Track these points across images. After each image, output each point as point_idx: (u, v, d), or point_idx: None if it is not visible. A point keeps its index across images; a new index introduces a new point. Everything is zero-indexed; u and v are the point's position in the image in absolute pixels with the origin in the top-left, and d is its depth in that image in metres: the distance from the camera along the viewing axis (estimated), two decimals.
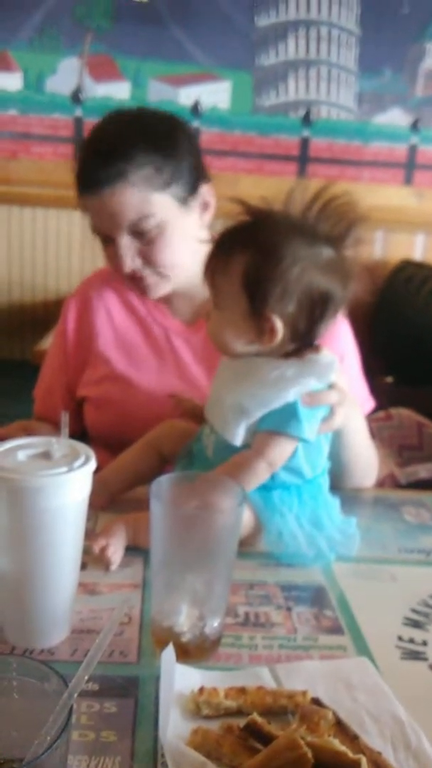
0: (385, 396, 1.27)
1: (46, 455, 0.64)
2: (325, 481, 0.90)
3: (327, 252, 0.81)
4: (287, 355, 0.84)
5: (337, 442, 0.92)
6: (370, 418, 1.12)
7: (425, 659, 0.69)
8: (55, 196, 2.68)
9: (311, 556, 0.82)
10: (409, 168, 2.83)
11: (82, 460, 0.64)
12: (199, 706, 0.59)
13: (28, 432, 1.07)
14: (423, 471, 1.33)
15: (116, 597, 0.75)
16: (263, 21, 2.65)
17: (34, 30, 2.60)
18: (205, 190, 1.08)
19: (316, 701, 0.60)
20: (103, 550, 0.79)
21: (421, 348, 2.36)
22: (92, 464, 0.64)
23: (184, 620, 0.66)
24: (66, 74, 2.65)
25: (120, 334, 1.16)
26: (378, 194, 2.78)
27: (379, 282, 2.67)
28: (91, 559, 0.79)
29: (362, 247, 0.83)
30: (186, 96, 2.67)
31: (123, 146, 1.01)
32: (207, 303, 0.88)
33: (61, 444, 0.65)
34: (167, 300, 1.15)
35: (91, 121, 2.69)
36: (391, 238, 2.82)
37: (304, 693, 0.61)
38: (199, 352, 1.13)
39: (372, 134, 2.79)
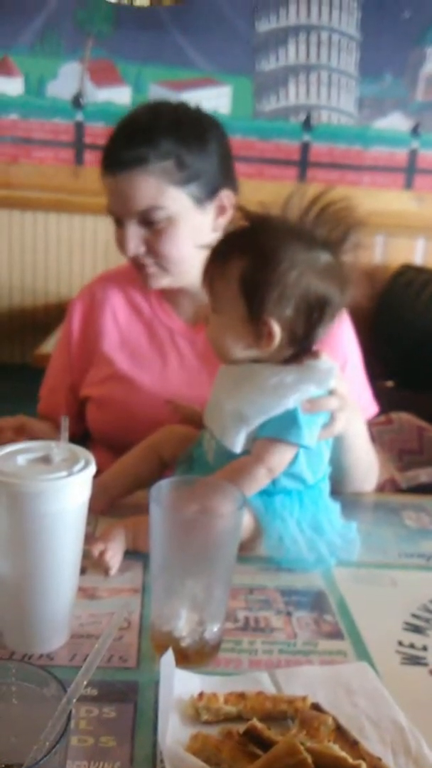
0: (385, 400, 1.27)
1: (45, 459, 0.64)
2: (325, 486, 0.90)
3: (325, 257, 0.81)
4: (286, 361, 0.84)
5: (337, 447, 0.92)
6: (371, 422, 1.12)
7: (425, 664, 0.69)
8: (55, 201, 2.69)
9: (312, 560, 0.82)
10: (410, 172, 2.83)
11: (81, 464, 0.64)
12: (198, 711, 0.59)
13: (24, 427, 1.07)
14: (423, 475, 1.33)
15: (116, 602, 0.75)
16: (263, 26, 2.66)
17: (35, 35, 2.61)
18: (225, 195, 1.08)
19: (315, 706, 0.60)
20: (102, 554, 0.79)
21: (421, 352, 2.36)
22: (92, 468, 0.64)
23: (183, 625, 0.65)
24: (67, 79, 2.66)
25: (125, 335, 1.16)
26: (378, 199, 2.79)
27: (380, 286, 2.67)
28: (91, 563, 0.79)
29: (361, 251, 0.83)
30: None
31: (150, 133, 1.02)
32: (207, 307, 0.88)
33: (60, 448, 0.65)
34: (172, 300, 1.16)
35: (91, 126, 2.70)
36: (392, 242, 2.83)
37: (303, 698, 0.60)
38: (203, 353, 1.13)
39: (372, 139, 2.80)
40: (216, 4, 2.60)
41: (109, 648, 0.51)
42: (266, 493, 0.84)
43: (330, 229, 0.82)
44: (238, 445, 0.83)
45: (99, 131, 2.69)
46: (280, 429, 0.81)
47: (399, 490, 1.28)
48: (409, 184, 2.84)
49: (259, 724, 0.55)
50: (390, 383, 2.24)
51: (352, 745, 0.55)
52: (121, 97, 2.68)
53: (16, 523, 0.61)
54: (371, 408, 1.19)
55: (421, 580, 0.84)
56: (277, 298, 0.80)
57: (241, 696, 0.60)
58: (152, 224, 1.04)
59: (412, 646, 0.71)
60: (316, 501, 0.87)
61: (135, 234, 1.04)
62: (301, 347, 0.83)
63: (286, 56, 2.70)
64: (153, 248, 1.05)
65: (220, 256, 0.84)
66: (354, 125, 2.78)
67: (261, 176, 2.74)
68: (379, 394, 1.22)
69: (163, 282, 1.09)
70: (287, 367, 0.83)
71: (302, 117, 2.77)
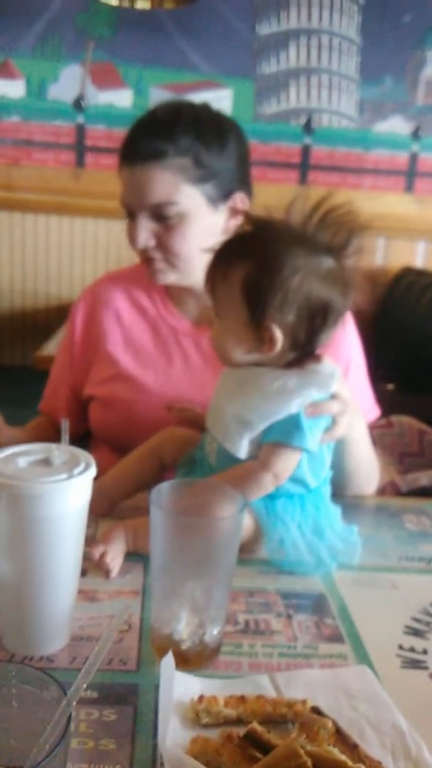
0: (386, 403, 1.27)
1: (46, 462, 0.64)
2: (327, 490, 0.90)
3: (327, 262, 0.81)
4: (288, 365, 0.84)
5: (339, 450, 0.92)
6: (371, 425, 1.12)
7: (426, 668, 0.69)
8: (56, 203, 2.70)
9: (312, 564, 0.82)
10: (410, 176, 2.84)
11: (82, 466, 0.64)
12: (198, 714, 0.59)
13: None
14: (424, 478, 1.33)
15: (116, 604, 0.74)
16: (264, 29, 2.67)
17: (37, 38, 2.62)
18: (240, 198, 1.08)
19: (315, 710, 0.60)
20: (102, 556, 0.79)
21: (422, 355, 2.36)
22: (92, 471, 0.64)
23: (183, 628, 0.65)
24: (68, 82, 2.67)
25: (128, 335, 1.16)
26: (379, 202, 2.79)
27: (380, 289, 2.68)
28: (92, 565, 0.79)
29: (363, 256, 0.83)
30: None
31: (171, 129, 1.02)
32: (210, 310, 0.88)
33: (61, 450, 0.65)
34: (177, 300, 1.16)
35: (92, 128, 2.71)
36: (392, 245, 2.83)
37: (303, 702, 0.60)
38: (207, 354, 1.13)
39: (373, 142, 2.80)
40: (217, 7, 2.61)
41: (109, 651, 0.51)
42: (268, 496, 0.84)
43: (333, 233, 0.82)
44: (242, 450, 0.83)
45: (100, 134, 2.70)
46: (284, 434, 0.81)
47: (399, 494, 1.28)
48: (409, 187, 2.85)
49: (259, 728, 0.55)
50: (391, 386, 2.24)
51: (352, 748, 0.55)
52: (122, 99, 2.69)
53: (16, 525, 0.61)
54: (373, 411, 1.19)
55: (421, 584, 0.83)
56: (279, 303, 0.80)
57: (241, 699, 0.60)
58: (164, 219, 1.04)
59: (412, 649, 0.71)
60: (318, 504, 0.87)
61: (146, 227, 1.05)
62: (303, 352, 0.83)
63: (287, 59, 2.71)
64: (163, 243, 1.05)
65: (223, 260, 0.85)
66: (355, 128, 2.79)
67: (262, 179, 2.74)
68: (380, 397, 1.22)
69: (170, 278, 1.09)
70: (289, 372, 0.83)
71: (303, 120, 2.77)
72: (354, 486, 1.04)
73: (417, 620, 0.76)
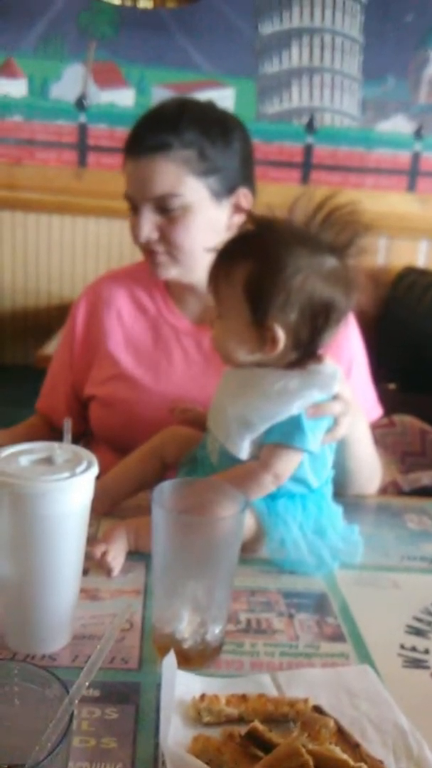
0: (388, 403, 1.27)
1: (48, 461, 0.64)
2: (328, 490, 0.90)
3: (330, 261, 0.81)
4: (290, 365, 0.84)
5: (340, 450, 0.92)
6: (373, 424, 1.12)
7: (427, 667, 0.69)
8: (58, 203, 2.70)
9: (313, 564, 0.82)
10: (413, 175, 2.84)
11: (84, 465, 0.64)
12: (200, 713, 0.59)
13: None
14: (426, 478, 1.33)
15: (118, 603, 0.75)
16: (267, 29, 2.67)
17: (39, 37, 2.62)
18: (243, 194, 1.09)
19: (317, 709, 0.60)
20: (104, 555, 0.79)
21: (424, 354, 2.35)
22: (94, 470, 0.64)
23: (185, 627, 0.65)
24: (70, 81, 2.67)
25: (129, 335, 1.16)
26: (381, 201, 2.79)
27: (382, 289, 2.67)
28: (93, 564, 0.79)
29: (366, 256, 0.83)
30: None
31: (176, 122, 1.03)
32: (212, 311, 0.88)
33: (63, 449, 0.66)
34: (178, 298, 1.16)
35: (95, 128, 2.71)
36: (395, 244, 2.83)
37: (305, 701, 0.60)
38: (208, 353, 1.13)
39: (375, 141, 2.80)
40: (219, 6, 2.61)
41: (111, 649, 0.51)
42: (269, 496, 0.84)
43: (336, 233, 0.81)
44: (243, 451, 0.83)
45: (102, 133, 2.70)
46: (285, 435, 0.81)
47: (401, 493, 1.28)
48: (412, 187, 2.85)
49: (260, 726, 0.55)
50: (392, 386, 2.24)
51: (354, 747, 0.55)
52: (124, 99, 2.69)
53: (18, 523, 0.62)
54: (375, 410, 1.19)
55: (423, 583, 0.83)
56: (281, 303, 0.80)
57: (243, 698, 0.60)
58: (168, 212, 1.04)
59: (414, 649, 0.71)
60: (320, 504, 0.87)
61: (149, 220, 1.05)
62: (305, 352, 0.83)
63: (290, 59, 2.71)
64: (166, 236, 1.05)
65: (226, 259, 0.84)
66: (357, 127, 2.79)
67: (264, 178, 2.73)
68: (382, 396, 1.22)
69: (172, 273, 1.09)
70: (291, 372, 0.83)
71: (305, 119, 2.77)
72: (356, 485, 1.04)
73: (419, 620, 0.76)
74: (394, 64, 2.72)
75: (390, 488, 1.27)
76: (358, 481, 1.03)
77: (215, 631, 0.66)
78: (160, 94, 2.66)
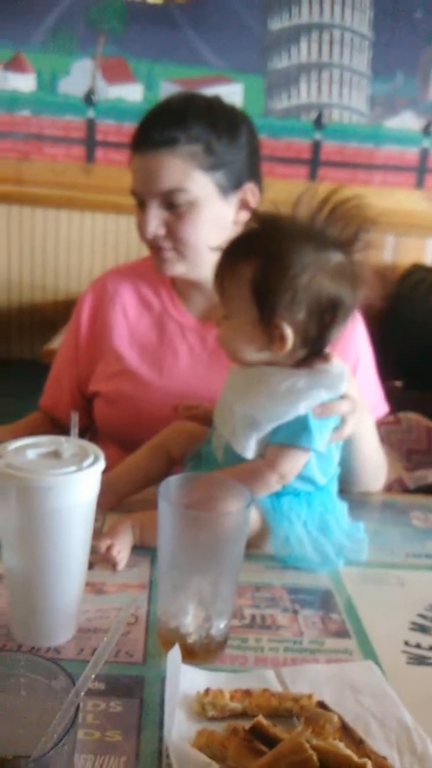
0: (394, 400, 1.27)
1: (55, 454, 0.64)
2: (334, 487, 0.89)
3: (336, 257, 0.81)
4: (298, 364, 0.84)
5: (346, 447, 0.92)
6: (379, 422, 1.12)
7: (431, 664, 0.69)
8: (66, 197, 2.70)
9: (318, 561, 0.82)
10: (421, 172, 2.83)
11: (91, 459, 0.64)
12: (204, 707, 0.59)
13: None
14: (431, 475, 1.33)
15: (123, 597, 0.75)
16: (276, 24, 2.66)
17: (48, 32, 2.62)
18: (250, 189, 1.08)
19: (321, 704, 0.60)
20: (109, 549, 0.79)
21: (430, 352, 2.35)
22: (101, 464, 0.64)
23: (190, 621, 0.66)
24: (79, 76, 2.67)
25: (134, 331, 1.16)
26: (389, 198, 2.78)
27: (390, 286, 2.67)
28: (99, 558, 0.79)
29: (372, 250, 0.83)
30: None
31: (183, 117, 1.03)
32: (218, 311, 0.88)
33: (70, 443, 0.66)
34: (184, 294, 1.16)
35: (103, 123, 2.71)
36: (402, 242, 2.82)
37: (309, 696, 0.60)
38: (213, 349, 1.13)
39: (384, 138, 2.79)
40: (228, 1, 2.60)
41: (116, 643, 0.51)
42: (275, 494, 0.84)
43: (342, 228, 0.81)
44: (249, 450, 0.83)
45: (110, 128, 2.70)
46: (292, 435, 0.81)
47: (407, 491, 1.28)
48: (420, 183, 2.84)
49: (264, 721, 0.55)
50: (399, 383, 2.23)
51: (358, 743, 0.55)
52: (132, 94, 2.68)
53: (25, 516, 0.62)
54: (381, 407, 1.19)
55: (428, 581, 0.83)
56: (288, 301, 0.79)
57: (247, 693, 0.60)
58: (174, 207, 1.04)
59: (418, 645, 0.71)
60: (325, 501, 0.87)
61: (156, 215, 1.05)
62: (314, 349, 0.83)
63: (298, 54, 2.70)
64: (172, 231, 1.05)
65: (231, 258, 0.84)
66: (365, 124, 2.78)
67: (271, 174, 2.72)
68: (388, 394, 1.22)
69: (178, 269, 1.09)
70: (298, 372, 0.83)
71: (314, 115, 2.76)
72: (361, 483, 1.04)
73: (423, 617, 0.76)
74: (404, 61, 2.71)
75: (395, 485, 1.26)
76: (363, 478, 1.03)
77: (220, 625, 0.66)
78: (168, 89, 2.65)
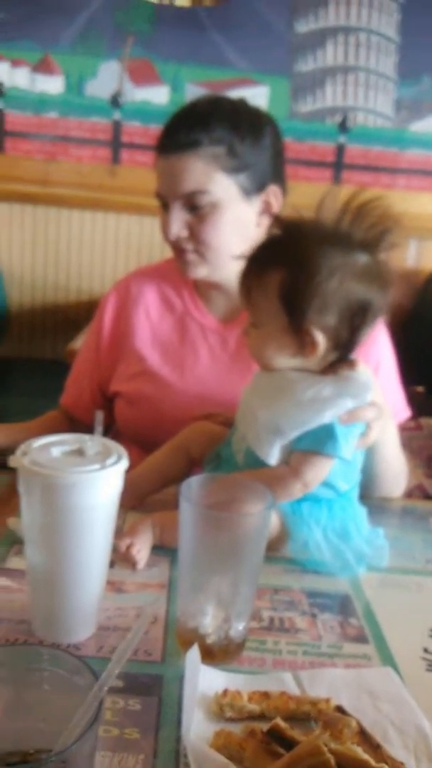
0: (415, 405, 1.26)
1: (79, 452, 0.65)
2: (354, 493, 0.89)
3: (363, 258, 0.81)
4: (324, 370, 0.83)
5: (368, 454, 0.91)
6: (400, 426, 1.11)
7: None
8: (91, 199, 2.72)
9: (337, 567, 0.82)
10: None
11: (114, 458, 0.64)
12: (222, 708, 0.59)
13: None
14: None
15: (142, 596, 0.75)
16: (302, 27, 2.66)
17: (77, 34, 2.64)
18: (273, 192, 1.08)
19: (339, 709, 0.60)
20: (129, 548, 0.80)
21: None
22: (124, 463, 0.65)
23: (209, 622, 0.66)
24: (106, 78, 2.68)
25: (156, 332, 1.17)
26: (413, 202, 2.76)
27: (412, 291, 2.65)
28: (119, 557, 0.79)
29: (397, 251, 0.82)
30: None
31: (206, 119, 1.03)
32: (237, 310, 0.88)
33: (94, 441, 0.66)
34: (206, 296, 1.16)
35: (129, 125, 2.72)
36: (425, 246, 2.80)
37: (327, 700, 0.60)
38: (235, 351, 1.13)
39: (409, 141, 2.77)
40: (255, 4, 2.60)
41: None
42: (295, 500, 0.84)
43: (367, 229, 0.81)
44: (272, 457, 0.82)
45: (136, 130, 2.71)
46: (318, 441, 0.80)
47: (427, 497, 1.27)
48: None
49: (282, 723, 0.55)
50: (420, 388, 2.21)
51: (376, 748, 0.55)
52: (158, 96, 2.70)
53: (48, 513, 0.63)
54: (403, 412, 1.18)
55: None
56: (318, 306, 0.79)
57: (265, 695, 0.61)
58: (197, 209, 1.04)
59: None
60: (345, 508, 0.86)
61: (178, 217, 1.05)
62: (345, 352, 0.83)
63: (324, 57, 2.69)
64: (195, 233, 1.06)
65: (257, 267, 0.84)
66: (390, 127, 2.76)
67: (295, 177, 2.71)
68: (410, 399, 1.21)
69: (201, 272, 1.09)
70: (324, 379, 0.82)
71: (338, 118, 2.75)
72: (382, 488, 1.03)
73: None
74: (430, 64, 2.69)
75: (415, 492, 1.26)
76: (384, 484, 1.03)
77: (239, 627, 0.67)
78: (194, 92, 2.66)
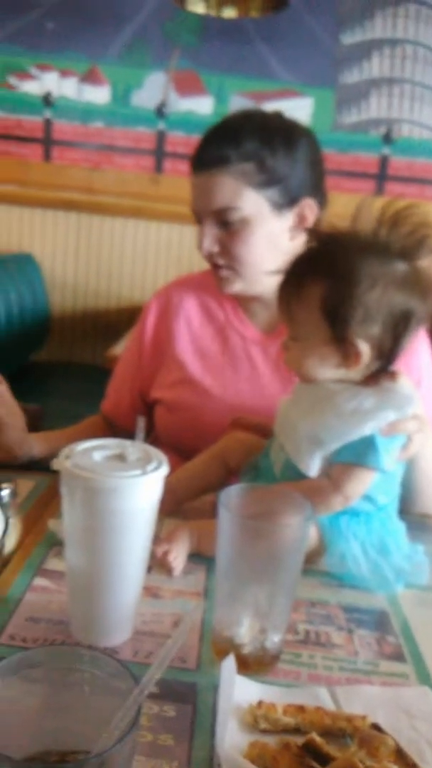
0: None
1: (120, 457, 0.66)
2: (394, 507, 0.88)
3: (402, 267, 0.80)
4: (366, 381, 0.83)
5: (408, 467, 0.90)
6: None
7: None
8: (134, 207, 2.75)
9: (375, 583, 0.81)
10: None
11: (155, 464, 0.65)
12: (256, 719, 0.59)
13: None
14: None
15: (178, 603, 0.75)
16: (348, 39, 2.66)
17: (124, 45, 2.69)
18: (307, 205, 1.08)
19: (375, 727, 0.59)
20: (166, 554, 0.80)
21: None
22: (165, 469, 0.65)
23: (245, 632, 0.66)
24: (152, 88, 2.73)
25: (197, 341, 1.18)
26: None
27: None
28: (156, 563, 0.80)
29: None
30: None
31: (236, 135, 1.04)
32: (276, 323, 0.87)
33: (135, 447, 0.67)
34: (247, 307, 1.17)
35: (173, 135, 2.76)
36: None
37: (363, 717, 0.60)
38: (275, 363, 1.13)
39: None
40: (302, 16, 2.62)
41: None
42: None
43: (404, 236, 0.80)
44: (312, 468, 0.82)
45: (179, 140, 2.75)
46: (359, 454, 0.80)
47: None
48: None
49: (318, 738, 0.54)
50: None
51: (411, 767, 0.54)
52: (202, 107, 2.73)
53: (89, 516, 0.63)
54: None
55: None
56: (361, 316, 0.79)
57: (300, 709, 0.60)
58: (228, 225, 1.05)
59: None
60: (384, 523, 0.85)
61: (210, 233, 1.06)
62: (387, 362, 0.82)
63: (370, 69, 2.69)
64: (226, 249, 1.06)
65: (295, 280, 0.84)
66: None
67: (337, 189, 2.72)
68: None
69: (236, 287, 1.10)
70: (365, 391, 0.82)
71: (383, 130, 2.74)
72: (422, 504, 1.01)
73: None
74: None
75: None
76: (423, 498, 1.01)
77: (275, 639, 0.66)
78: (238, 103, 2.68)
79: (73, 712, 0.45)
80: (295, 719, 0.59)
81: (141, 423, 0.70)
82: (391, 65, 2.68)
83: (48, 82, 2.73)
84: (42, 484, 0.98)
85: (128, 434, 0.73)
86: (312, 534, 0.81)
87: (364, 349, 0.80)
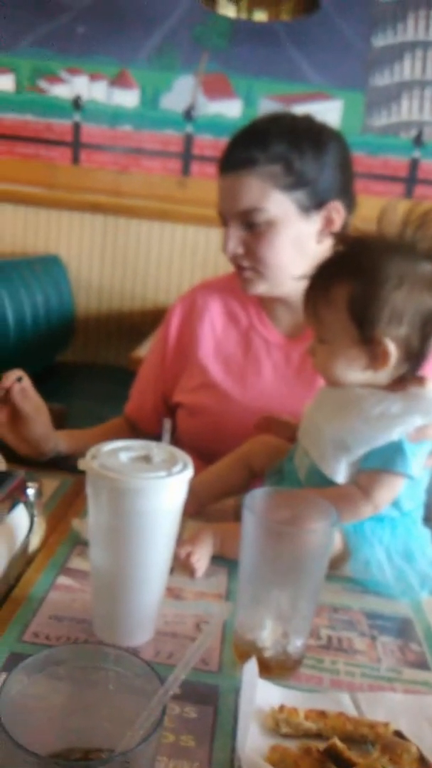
0: None
1: (146, 459, 0.66)
2: (419, 513, 0.87)
3: (429, 267, 0.80)
4: (393, 387, 0.82)
5: None
6: None
7: None
8: (160, 210, 2.77)
9: (400, 590, 0.80)
10: None
11: (180, 466, 0.65)
12: (278, 723, 0.59)
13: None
14: None
15: (201, 604, 0.76)
16: (379, 41, 2.64)
17: (154, 49, 2.71)
18: (334, 207, 1.07)
19: (398, 734, 0.58)
20: (188, 556, 0.80)
21: None
22: (190, 471, 0.65)
23: (267, 635, 0.66)
24: (180, 92, 2.74)
25: (221, 345, 1.18)
26: None
27: None
28: (179, 564, 0.80)
29: None
30: None
31: (264, 137, 1.04)
32: (302, 327, 0.87)
33: (160, 449, 0.67)
34: (270, 310, 1.17)
35: (201, 138, 2.77)
36: None
37: (386, 724, 0.59)
38: (298, 366, 1.13)
39: None
40: (333, 19, 2.61)
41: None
42: None
43: (430, 237, 0.80)
44: (339, 474, 0.82)
45: (207, 143, 2.76)
46: (386, 459, 0.79)
47: None
48: None
49: (340, 744, 0.54)
50: None
51: None
52: (231, 110, 2.73)
53: (114, 516, 0.64)
54: None
55: None
56: (388, 316, 0.79)
57: (322, 714, 0.60)
58: (253, 227, 1.05)
59: None
60: (409, 529, 0.85)
61: (235, 234, 1.07)
62: (415, 363, 0.82)
63: (401, 72, 2.67)
64: (251, 250, 1.07)
65: (322, 282, 0.84)
66: None
67: (366, 192, 2.70)
68: None
69: (260, 288, 1.10)
70: (392, 395, 0.81)
71: (413, 133, 2.72)
72: None
73: None
74: None
75: None
76: None
77: (297, 643, 0.66)
78: (267, 106, 2.68)
79: (97, 710, 0.46)
80: (317, 724, 0.59)
81: (167, 425, 0.70)
82: (423, 68, 2.66)
83: (78, 86, 2.76)
84: (66, 484, 1.00)
85: (151, 438, 0.74)
86: (336, 539, 0.81)
87: (392, 348, 0.80)
